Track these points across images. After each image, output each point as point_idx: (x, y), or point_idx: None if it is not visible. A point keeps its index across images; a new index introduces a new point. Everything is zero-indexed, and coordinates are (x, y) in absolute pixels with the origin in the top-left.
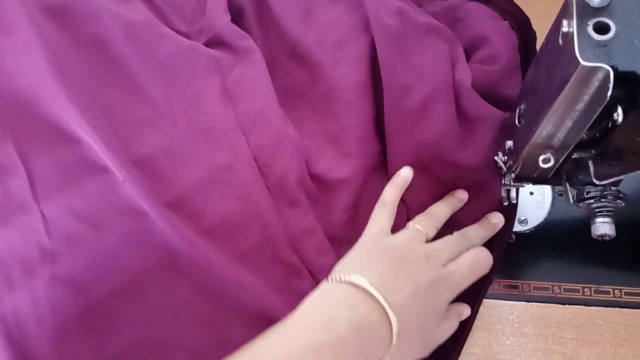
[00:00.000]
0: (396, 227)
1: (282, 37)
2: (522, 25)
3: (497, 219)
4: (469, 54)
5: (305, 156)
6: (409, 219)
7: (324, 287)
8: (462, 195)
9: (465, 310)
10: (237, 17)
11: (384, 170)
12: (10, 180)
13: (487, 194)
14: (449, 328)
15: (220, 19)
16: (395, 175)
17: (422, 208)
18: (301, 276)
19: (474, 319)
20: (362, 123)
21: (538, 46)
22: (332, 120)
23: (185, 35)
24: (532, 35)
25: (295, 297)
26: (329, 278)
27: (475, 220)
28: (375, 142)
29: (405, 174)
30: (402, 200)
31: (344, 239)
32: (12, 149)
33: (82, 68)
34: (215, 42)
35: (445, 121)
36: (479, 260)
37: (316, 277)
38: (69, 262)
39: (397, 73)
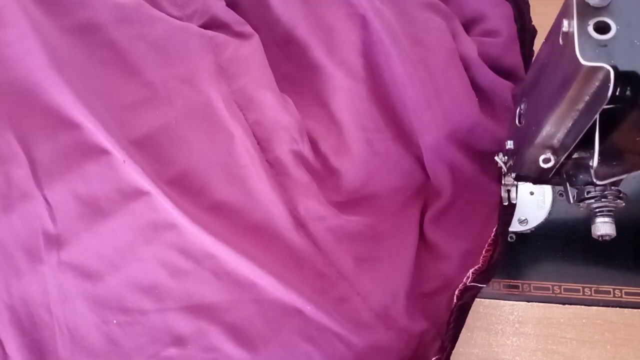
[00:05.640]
0: (403, 218)
1: (277, 23)
2: None
3: None
4: (467, 30)
5: (312, 137)
6: (422, 214)
7: None
8: None
9: None
10: (231, 5)
11: (393, 157)
12: (12, 169)
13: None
14: None
15: (215, 3)
16: None
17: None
18: (304, 244)
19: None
20: (362, 105)
21: (532, 15)
22: (333, 103)
23: (177, 19)
24: (525, 3)
25: (298, 265)
26: None
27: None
28: (380, 126)
29: None
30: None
31: None
32: (12, 138)
33: (76, 54)
34: (211, 26)
35: (465, 87)
36: None
37: (318, 244)
38: (76, 247)
39: (406, 51)
